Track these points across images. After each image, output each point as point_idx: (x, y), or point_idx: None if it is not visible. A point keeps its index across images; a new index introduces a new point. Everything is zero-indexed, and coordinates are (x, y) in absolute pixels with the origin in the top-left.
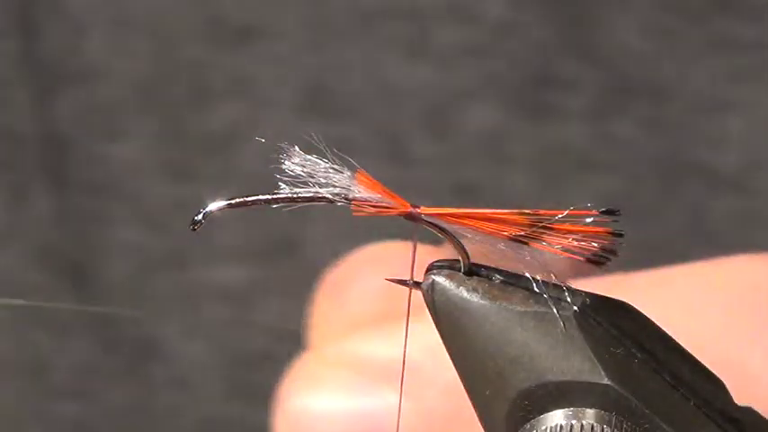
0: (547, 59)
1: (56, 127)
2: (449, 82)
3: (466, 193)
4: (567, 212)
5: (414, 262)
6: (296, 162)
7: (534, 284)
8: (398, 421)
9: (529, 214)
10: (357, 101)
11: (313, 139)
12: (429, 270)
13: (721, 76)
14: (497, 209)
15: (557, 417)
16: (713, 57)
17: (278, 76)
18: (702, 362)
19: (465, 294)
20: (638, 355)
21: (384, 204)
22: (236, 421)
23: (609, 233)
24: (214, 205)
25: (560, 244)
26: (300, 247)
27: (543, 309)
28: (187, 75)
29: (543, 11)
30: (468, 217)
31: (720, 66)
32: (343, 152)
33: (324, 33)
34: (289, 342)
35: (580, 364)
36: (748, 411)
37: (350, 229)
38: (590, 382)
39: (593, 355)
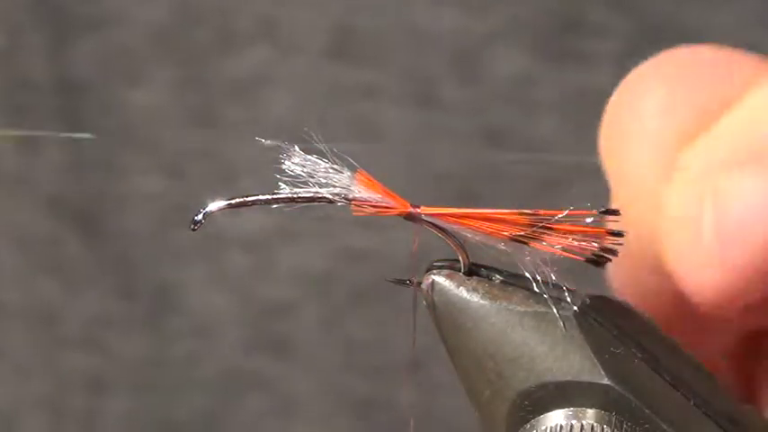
0: (575, 4)
1: (72, 73)
2: (477, 26)
3: (494, 138)
4: (566, 212)
5: (415, 261)
6: (296, 162)
7: (534, 284)
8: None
9: (529, 214)
10: (385, 45)
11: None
12: (429, 270)
13: (750, 19)
14: (497, 209)
15: (557, 417)
16: (738, 4)
17: (304, 20)
18: None
19: (465, 294)
20: (638, 355)
21: (384, 204)
22: (257, 372)
23: (609, 233)
24: (214, 205)
25: (560, 244)
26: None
27: (543, 309)
28: (209, 19)
29: None
30: (468, 217)
31: (749, 9)
32: (370, 97)
33: None
34: (309, 290)
35: (580, 364)
36: (748, 411)
37: (379, 171)
38: (590, 382)
39: (593, 355)
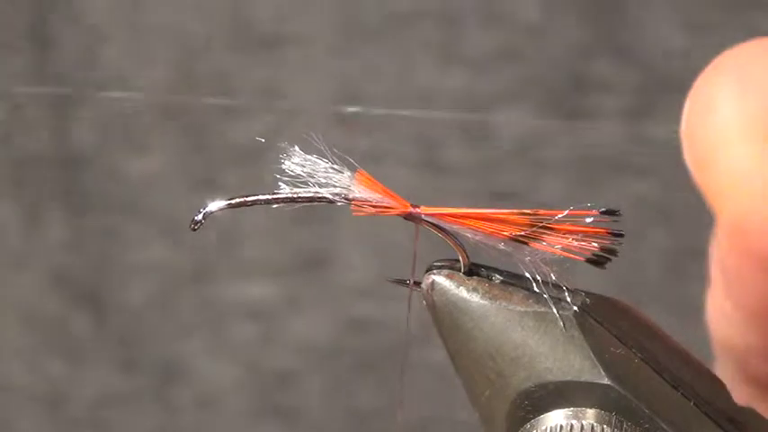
0: (581, 61)
1: (72, 143)
2: (482, 86)
3: (503, 200)
4: (567, 212)
5: (414, 261)
6: (296, 162)
7: (534, 284)
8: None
9: (529, 214)
10: (390, 108)
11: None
12: (429, 270)
13: None
14: (497, 209)
15: (557, 417)
16: None
17: (307, 85)
18: None
19: (465, 294)
20: (638, 355)
21: (384, 204)
22: None
23: (609, 233)
24: (214, 205)
25: (560, 244)
26: (328, 264)
27: (543, 309)
28: (211, 84)
29: (577, 11)
30: (468, 217)
31: None
32: (375, 161)
33: (354, 38)
34: (314, 360)
35: (580, 364)
36: (748, 411)
37: (378, 245)
38: (590, 382)
39: (593, 355)
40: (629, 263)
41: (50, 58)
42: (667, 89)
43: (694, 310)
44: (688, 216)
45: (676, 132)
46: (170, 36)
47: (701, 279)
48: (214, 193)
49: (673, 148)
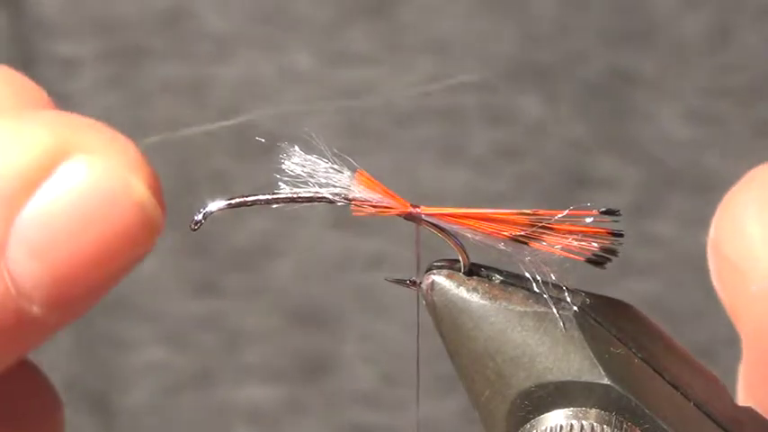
0: (583, 157)
1: None
2: (485, 186)
3: None
4: (566, 212)
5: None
6: (296, 162)
7: (534, 284)
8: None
9: (529, 214)
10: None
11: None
12: (429, 270)
13: None
14: (497, 209)
15: (557, 417)
16: (759, 143)
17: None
18: None
19: (465, 294)
20: (638, 355)
21: (384, 204)
22: None
23: (609, 233)
24: (214, 205)
25: (560, 244)
26: (330, 368)
27: (543, 309)
28: (210, 185)
29: (579, 106)
30: (468, 217)
31: (767, 152)
32: (376, 266)
33: (355, 137)
34: None
35: (580, 364)
36: (748, 411)
37: (385, 348)
38: (590, 382)
39: (593, 355)
40: None
41: None
42: (672, 185)
43: None
44: (693, 315)
45: (681, 230)
46: (168, 141)
47: None
48: (213, 296)
49: (677, 246)
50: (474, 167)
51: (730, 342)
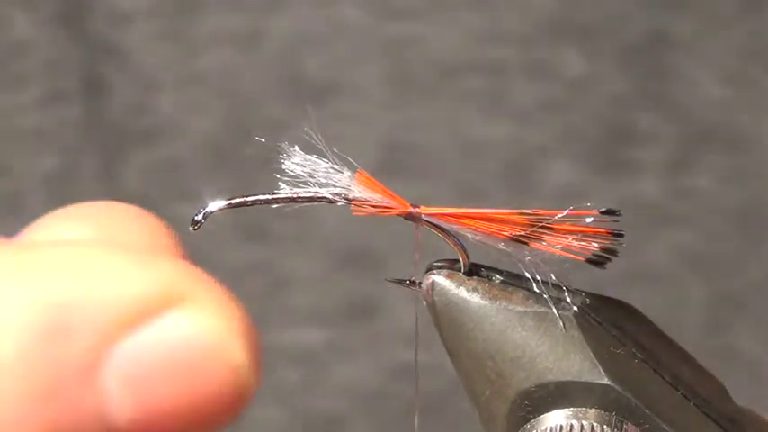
0: (623, 113)
1: (122, 190)
2: (526, 137)
3: None
4: (566, 212)
5: (417, 262)
6: (296, 162)
7: (534, 284)
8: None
9: (529, 214)
10: (436, 158)
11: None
12: (429, 270)
13: None
14: (497, 209)
15: (557, 417)
16: None
17: (356, 136)
18: None
19: (465, 294)
20: (638, 355)
21: (384, 204)
22: None
23: (609, 233)
24: (214, 205)
25: (560, 244)
26: (374, 310)
27: (543, 309)
28: (262, 134)
29: (620, 64)
30: (468, 217)
31: None
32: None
33: (402, 90)
34: (359, 405)
35: (580, 364)
36: (748, 411)
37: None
38: (590, 382)
39: (593, 355)
40: (669, 312)
41: (103, 106)
42: (707, 141)
43: (734, 358)
44: (726, 264)
45: (715, 184)
46: (221, 85)
47: (740, 328)
48: (262, 242)
49: (712, 199)
50: (517, 120)
51: (761, 290)
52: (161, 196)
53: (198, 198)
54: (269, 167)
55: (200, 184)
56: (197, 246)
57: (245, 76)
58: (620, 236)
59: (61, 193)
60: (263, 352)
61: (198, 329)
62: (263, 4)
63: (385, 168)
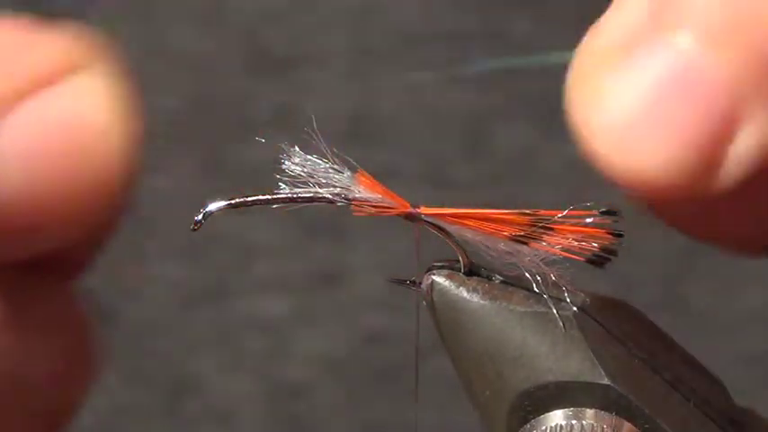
0: None
1: None
2: (483, 102)
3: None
4: (566, 212)
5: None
6: (296, 162)
7: (534, 284)
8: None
9: (529, 214)
10: (399, 127)
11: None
12: (429, 270)
13: None
14: (497, 209)
15: (557, 417)
16: None
17: (321, 105)
18: None
19: (465, 294)
20: (639, 355)
21: (384, 204)
22: None
23: (609, 233)
24: (214, 205)
25: (560, 244)
26: (340, 278)
27: (543, 309)
28: (226, 106)
29: (567, 24)
30: (468, 217)
31: None
32: (387, 177)
33: (365, 60)
34: (327, 372)
35: (580, 364)
36: (748, 412)
37: (391, 256)
38: (590, 382)
39: (593, 355)
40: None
41: None
42: None
43: (692, 309)
44: None
45: None
46: (185, 58)
47: (700, 278)
48: (229, 211)
49: None
50: (474, 86)
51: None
52: None
53: (166, 170)
54: (234, 143)
55: (165, 157)
56: (159, 214)
57: (208, 50)
58: (620, 236)
59: None
60: (142, 127)
61: (84, 105)
62: None
63: (349, 135)
